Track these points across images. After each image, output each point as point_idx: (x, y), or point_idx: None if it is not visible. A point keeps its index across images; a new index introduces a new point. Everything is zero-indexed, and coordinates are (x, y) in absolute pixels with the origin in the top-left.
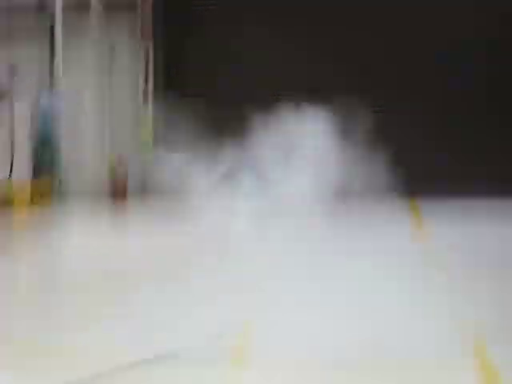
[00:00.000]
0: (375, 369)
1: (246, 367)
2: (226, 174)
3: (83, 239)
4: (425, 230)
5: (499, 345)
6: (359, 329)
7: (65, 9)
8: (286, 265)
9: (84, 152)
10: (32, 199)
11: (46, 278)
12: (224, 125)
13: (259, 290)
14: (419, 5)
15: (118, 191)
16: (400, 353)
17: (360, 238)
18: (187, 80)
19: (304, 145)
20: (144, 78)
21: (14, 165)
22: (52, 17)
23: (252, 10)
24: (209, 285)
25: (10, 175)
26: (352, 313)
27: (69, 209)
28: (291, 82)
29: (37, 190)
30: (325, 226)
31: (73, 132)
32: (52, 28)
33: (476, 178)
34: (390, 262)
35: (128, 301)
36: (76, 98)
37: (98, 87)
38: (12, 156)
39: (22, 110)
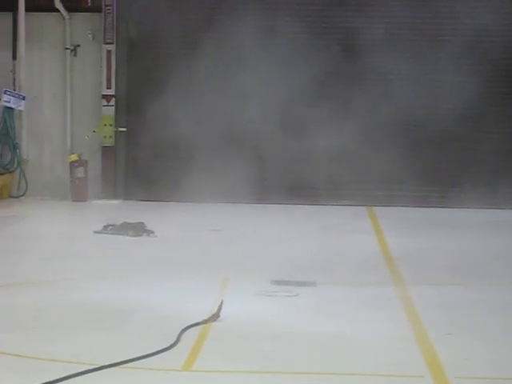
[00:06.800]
0: None
1: None
2: None
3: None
4: None
5: None
6: None
7: (28, 9)
8: None
9: (45, 151)
10: None
11: None
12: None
13: None
14: None
15: (78, 191)
16: None
17: None
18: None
19: None
20: (106, 79)
21: None
22: (15, 17)
23: None
24: None
25: None
26: None
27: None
28: None
29: None
30: None
31: (34, 131)
32: (15, 28)
33: None
34: None
35: None
36: (38, 98)
37: (60, 88)
38: None
39: None
